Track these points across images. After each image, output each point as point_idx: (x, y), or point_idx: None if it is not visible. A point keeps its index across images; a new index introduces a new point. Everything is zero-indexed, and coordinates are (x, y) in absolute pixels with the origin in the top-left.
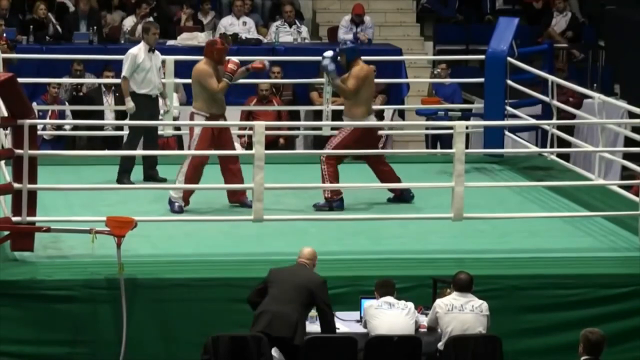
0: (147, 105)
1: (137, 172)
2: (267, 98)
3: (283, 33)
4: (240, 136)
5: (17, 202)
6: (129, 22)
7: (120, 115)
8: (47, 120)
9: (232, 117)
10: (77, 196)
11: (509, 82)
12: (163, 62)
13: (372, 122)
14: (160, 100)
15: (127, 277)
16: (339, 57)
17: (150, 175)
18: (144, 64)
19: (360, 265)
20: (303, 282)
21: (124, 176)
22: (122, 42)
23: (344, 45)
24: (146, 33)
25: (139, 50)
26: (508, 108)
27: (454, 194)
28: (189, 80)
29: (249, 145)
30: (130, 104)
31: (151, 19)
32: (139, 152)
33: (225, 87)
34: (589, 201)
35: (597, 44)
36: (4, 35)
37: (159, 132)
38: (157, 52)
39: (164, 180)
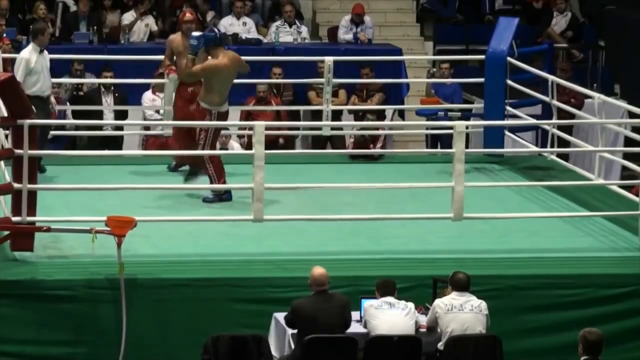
0: (40, 106)
1: (134, 171)
2: (265, 99)
3: (283, 33)
4: (240, 136)
5: (17, 202)
6: (129, 17)
7: (120, 115)
8: (47, 121)
9: (232, 117)
10: (77, 196)
11: (509, 82)
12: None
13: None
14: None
15: (127, 277)
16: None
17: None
18: (36, 67)
19: (360, 265)
20: (338, 310)
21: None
22: (122, 42)
23: (208, 32)
24: (42, 34)
25: (30, 54)
26: (508, 108)
27: (454, 194)
28: None
29: (248, 146)
30: None
31: (151, 17)
32: (154, 152)
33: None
34: (589, 201)
35: (597, 44)
36: (4, 35)
37: (159, 132)
38: (45, 52)
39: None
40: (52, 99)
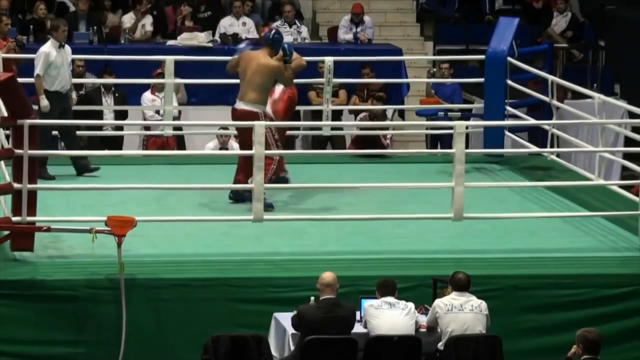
0: (60, 102)
1: (134, 171)
2: None
3: (283, 33)
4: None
5: (17, 202)
6: (128, 19)
7: (120, 115)
8: (48, 121)
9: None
10: (78, 196)
11: (509, 82)
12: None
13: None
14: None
15: (127, 276)
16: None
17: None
18: (56, 61)
19: (360, 265)
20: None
21: (43, 169)
22: (122, 42)
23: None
24: (55, 30)
25: (50, 48)
26: (508, 108)
27: (454, 194)
28: (189, 80)
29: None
30: (44, 102)
31: (149, 17)
32: (153, 152)
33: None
34: (589, 201)
35: (597, 44)
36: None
37: (159, 132)
38: (67, 47)
39: (52, 178)
40: (73, 95)
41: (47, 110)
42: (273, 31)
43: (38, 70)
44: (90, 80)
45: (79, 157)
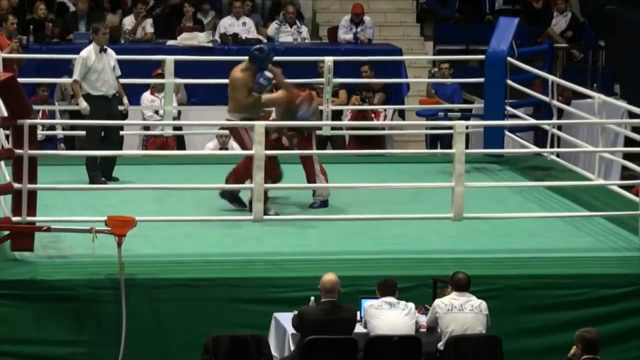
0: (104, 106)
1: (134, 171)
2: None
3: (283, 33)
4: None
5: (17, 202)
6: (129, 21)
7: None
8: (48, 121)
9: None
10: (77, 196)
11: (509, 82)
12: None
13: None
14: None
15: (127, 276)
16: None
17: (92, 178)
18: (95, 66)
19: (360, 265)
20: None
21: (96, 175)
22: (122, 42)
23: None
24: (96, 34)
25: (88, 52)
26: (508, 108)
27: (454, 194)
28: (189, 80)
29: None
30: (83, 104)
31: (150, 19)
32: (153, 152)
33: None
34: (589, 201)
35: (597, 44)
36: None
37: (159, 132)
38: (109, 51)
39: (116, 180)
40: (125, 100)
41: (86, 113)
42: (256, 46)
43: (75, 75)
44: None
45: (89, 167)
